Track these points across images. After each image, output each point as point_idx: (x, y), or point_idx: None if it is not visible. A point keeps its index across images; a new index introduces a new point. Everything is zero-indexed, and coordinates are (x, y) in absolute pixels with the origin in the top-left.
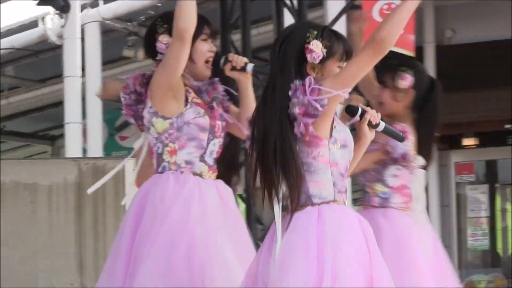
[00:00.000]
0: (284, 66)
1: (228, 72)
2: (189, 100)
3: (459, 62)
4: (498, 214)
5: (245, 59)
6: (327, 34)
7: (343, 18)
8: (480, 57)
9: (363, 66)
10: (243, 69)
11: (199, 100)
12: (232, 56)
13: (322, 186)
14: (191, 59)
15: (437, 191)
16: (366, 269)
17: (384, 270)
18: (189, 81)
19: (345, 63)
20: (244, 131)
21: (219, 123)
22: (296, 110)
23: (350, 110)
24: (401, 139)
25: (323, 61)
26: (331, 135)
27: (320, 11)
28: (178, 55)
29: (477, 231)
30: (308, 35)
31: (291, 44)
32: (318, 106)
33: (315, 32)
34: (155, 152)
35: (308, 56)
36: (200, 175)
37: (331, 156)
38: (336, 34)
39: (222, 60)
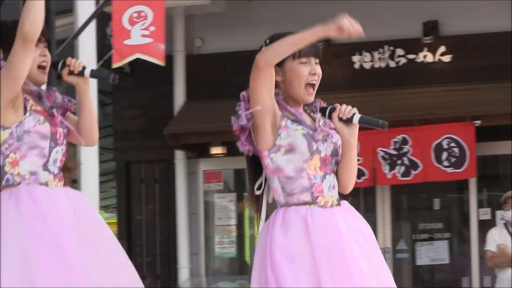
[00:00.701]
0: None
1: (65, 77)
2: (28, 108)
3: (208, 71)
4: (246, 222)
5: (83, 63)
6: (277, 38)
7: (93, 23)
8: (229, 66)
9: (253, 82)
10: (80, 73)
11: (38, 107)
12: (69, 60)
13: (276, 193)
14: None
15: (185, 199)
16: (305, 269)
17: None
18: (27, 86)
19: (312, 59)
20: (81, 140)
21: (60, 130)
22: (234, 127)
23: (321, 112)
24: (381, 126)
25: (280, 64)
26: (274, 144)
27: (71, 18)
28: (24, 61)
29: (224, 238)
30: (260, 46)
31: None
32: (245, 121)
33: (267, 41)
34: None
35: None
36: (46, 184)
37: (273, 164)
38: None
39: (60, 65)
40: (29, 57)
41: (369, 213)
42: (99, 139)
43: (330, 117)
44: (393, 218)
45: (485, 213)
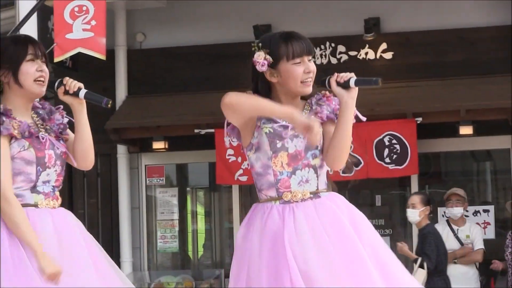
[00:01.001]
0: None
1: (61, 96)
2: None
3: (150, 66)
4: (189, 216)
5: (79, 84)
6: (268, 41)
7: (34, 17)
8: (170, 62)
9: (224, 112)
10: (75, 94)
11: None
12: (66, 80)
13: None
14: (18, 84)
15: (127, 193)
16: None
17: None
18: (16, 133)
19: (304, 57)
20: (73, 162)
21: (50, 153)
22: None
23: (321, 83)
24: (375, 83)
25: (273, 65)
26: (250, 142)
27: (12, 11)
28: None
29: (166, 233)
30: (253, 49)
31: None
32: (226, 126)
33: (259, 44)
34: None
35: (256, 67)
36: (36, 205)
37: (249, 161)
38: (286, 38)
39: (56, 83)
40: None
41: None
42: None
43: (329, 86)
44: None
45: None
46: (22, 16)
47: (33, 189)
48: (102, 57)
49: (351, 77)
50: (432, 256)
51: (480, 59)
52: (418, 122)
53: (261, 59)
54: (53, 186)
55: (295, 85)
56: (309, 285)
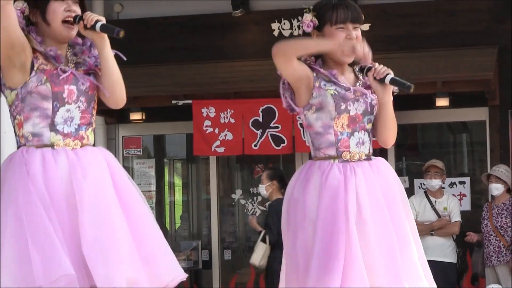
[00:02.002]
0: None
1: (82, 31)
2: (35, 68)
3: (127, 37)
4: (166, 188)
5: (98, 17)
6: (319, 5)
7: None
8: (148, 32)
9: (278, 67)
10: (92, 27)
11: (46, 67)
12: (86, 14)
13: (309, 147)
14: (45, 21)
15: None
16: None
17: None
18: (38, 46)
19: (349, 25)
20: (105, 93)
21: (71, 88)
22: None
23: (360, 70)
24: (407, 88)
25: (319, 28)
26: (308, 102)
27: None
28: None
29: None
30: (304, 11)
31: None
32: (282, 85)
33: (310, 7)
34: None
35: (303, 28)
36: (52, 145)
37: (306, 120)
38: (334, 4)
39: (77, 19)
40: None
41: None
42: None
43: (367, 75)
44: None
45: (403, 182)
46: None
47: (52, 127)
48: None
49: (388, 73)
50: (274, 229)
51: (457, 31)
52: (395, 93)
53: (307, 20)
54: (77, 125)
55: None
56: (362, 238)
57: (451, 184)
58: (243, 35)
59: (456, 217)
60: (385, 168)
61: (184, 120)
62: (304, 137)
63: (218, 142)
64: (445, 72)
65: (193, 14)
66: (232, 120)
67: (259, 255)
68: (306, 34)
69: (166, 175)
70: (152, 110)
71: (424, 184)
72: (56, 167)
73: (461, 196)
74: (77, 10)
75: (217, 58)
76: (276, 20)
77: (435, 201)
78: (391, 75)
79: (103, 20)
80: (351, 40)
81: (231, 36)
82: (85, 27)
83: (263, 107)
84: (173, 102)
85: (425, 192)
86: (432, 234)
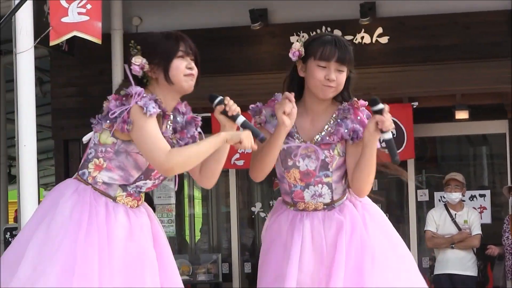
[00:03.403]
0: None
1: (216, 114)
2: None
3: None
4: (186, 201)
5: (238, 109)
6: (312, 37)
7: (30, 1)
8: None
9: None
10: (233, 118)
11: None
12: (228, 100)
13: None
14: (168, 80)
15: None
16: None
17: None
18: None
19: (332, 64)
20: (196, 174)
21: None
22: None
23: (370, 104)
24: (395, 161)
25: (305, 60)
26: None
27: None
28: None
29: (163, 217)
30: (297, 41)
31: None
32: None
33: (303, 36)
34: (87, 152)
35: (289, 54)
36: (114, 199)
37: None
38: (324, 39)
39: (216, 100)
40: None
41: None
42: (38, 116)
43: (374, 113)
44: None
45: (423, 195)
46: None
47: (123, 186)
48: (98, 41)
49: (388, 130)
50: None
51: (475, 43)
52: (414, 106)
53: (295, 48)
54: (140, 191)
55: (314, 86)
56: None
57: (471, 197)
58: (260, 47)
59: (477, 230)
60: (341, 215)
61: (204, 133)
62: None
63: (237, 155)
64: (464, 85)
65: (211, 27)
66: None
67: None
68: (291, 61)
69: (186, 188)
70: None
71: (444, 197)
72: (116, 220)
73: (482, 209)
74: (196, 69)
75: (235, 71)
76: (294, 33)
77: (455, 214)
78: (389, 135)
79: (240, 112)
80: (290, 107)
81: (248, 48)
82: (223, 112)
83: None
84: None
85: (445, 205)
86: (452, 247)
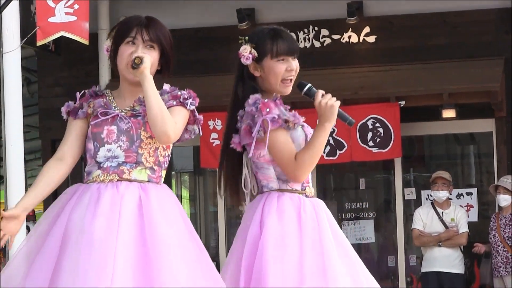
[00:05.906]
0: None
1: (130, 70)
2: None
3: None
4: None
5: (338, 103)
6: (256, 37)
7: (17, 1)
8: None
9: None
10: (132, 67)
11: (89, 111)
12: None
13: (268, 179)
14: (115, 66)
15: None
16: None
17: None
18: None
19: (289, 57)
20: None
21: (111, 128)
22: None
23: (298, 87)
24: (348, 123)
25: (258, 61)
26: None
27: None
28: None
29: None
30: (240, 42)
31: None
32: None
33: (246, 38)
34: None
35: (241, 60)
36: (102, 181)
37: (270, 155)
38: (273, 35)
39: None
40: None
41: None
42: (25, 116)
43: (310, 96)
44: (319, 198)
45: (410, 193)
46: None
47: (99, 165)
48: (85, 41)
49: (334, 104)
50: None
51: (463, 42)
52: (402, 105)
53: (246, 52)
54: (123, 162)
55: (276, 82)
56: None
57: (458, 195)
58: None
59: (464, 228)
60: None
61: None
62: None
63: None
64: (452, 84)
65: (198, 27)
66: None
67: None
68: (241, 64)
69: (174, 187)
70: None
71: (431, 196)
72: (77, 200)
73: (468, 207)
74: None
75: (222, 71)
76: None
77: (442, 212)
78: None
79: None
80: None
81: (236, 48)
82: (133, 66)
83: None
84: None
85: (432, 203)
86: (439, 245)
